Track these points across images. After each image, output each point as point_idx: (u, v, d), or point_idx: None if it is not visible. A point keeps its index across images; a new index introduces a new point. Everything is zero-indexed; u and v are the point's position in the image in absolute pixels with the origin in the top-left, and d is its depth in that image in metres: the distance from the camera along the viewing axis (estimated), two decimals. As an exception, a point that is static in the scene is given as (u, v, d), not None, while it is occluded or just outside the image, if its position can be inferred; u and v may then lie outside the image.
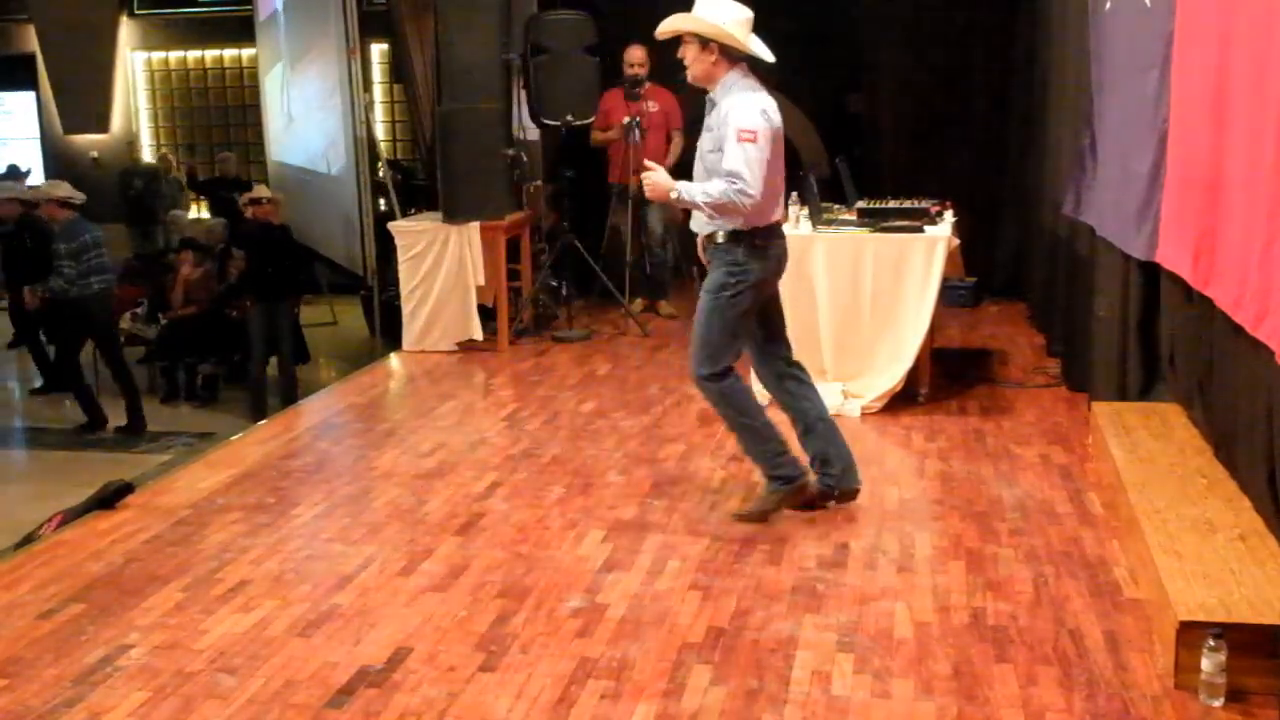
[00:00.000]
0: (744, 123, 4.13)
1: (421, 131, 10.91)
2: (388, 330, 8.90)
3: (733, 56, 4.23)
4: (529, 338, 7.95)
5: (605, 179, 8.54)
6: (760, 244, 4.29)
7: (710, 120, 4.29)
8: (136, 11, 14.88)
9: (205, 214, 13.60)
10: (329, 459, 5.49)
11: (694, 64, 4.26)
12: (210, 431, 8.19)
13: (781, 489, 4.47)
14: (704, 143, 4.31)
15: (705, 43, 4.21)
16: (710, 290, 4.33)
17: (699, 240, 4.44)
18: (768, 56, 4.26)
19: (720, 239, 4.29)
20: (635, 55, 8.21)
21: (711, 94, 4.30)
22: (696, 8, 4.26)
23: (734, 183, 4.11)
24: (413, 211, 9.72)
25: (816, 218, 6.30)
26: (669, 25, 4.27)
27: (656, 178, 4.31)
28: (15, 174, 13.94)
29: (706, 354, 4.35)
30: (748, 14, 4.25)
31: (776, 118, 4.24)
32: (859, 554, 4.14)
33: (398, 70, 12.41)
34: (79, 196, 8.32)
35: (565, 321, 8.11)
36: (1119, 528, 4.25)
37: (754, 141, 4.12)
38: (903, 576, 3.95)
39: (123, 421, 8.52)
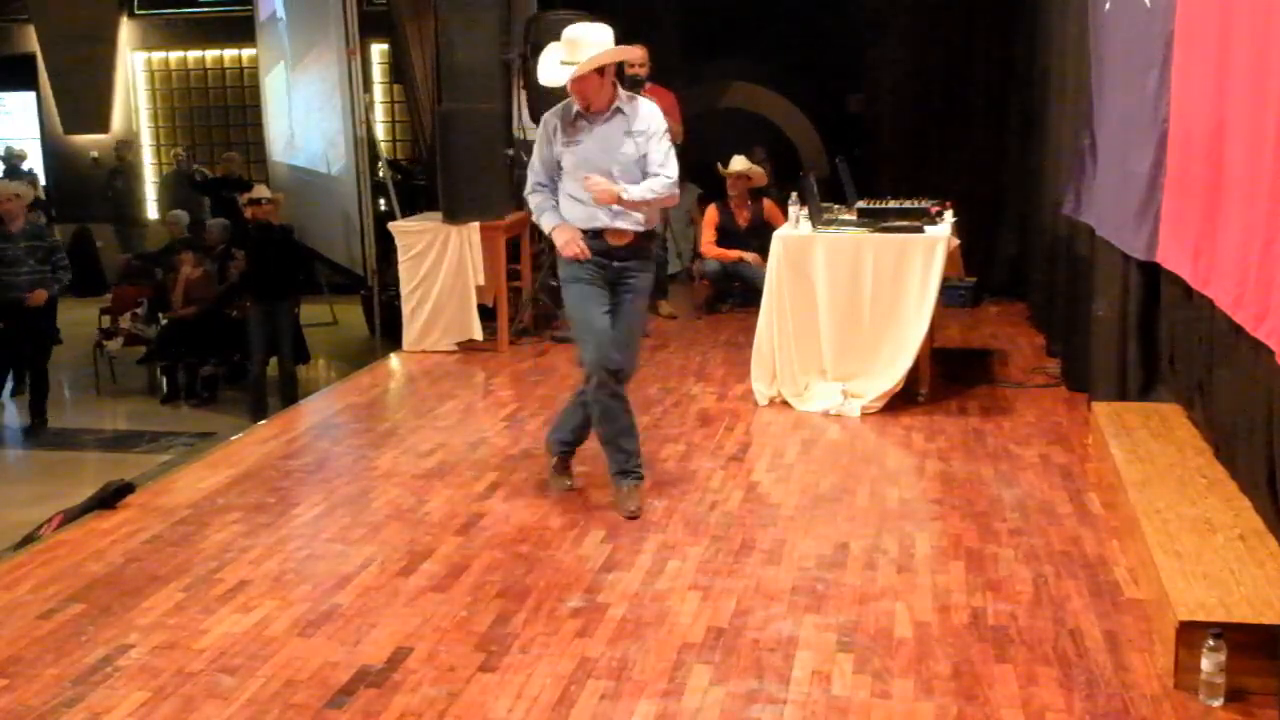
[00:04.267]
0: (667, 127, 4.59)
1: (421, 131, 10.92)
2: (388, 330, 8.90)
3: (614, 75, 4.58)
4: (529, 338, 7.95)
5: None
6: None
7: (625, 127, 4.51)
8: (136, 11, 14.87)
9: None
10: (329, 459, 5.49)
11: (598, 94, 4.50)
12: (210, 431, 8.19)
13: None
14: (625, 146, 4.51)
15: (603, 71, 4.48)
16: (646, 290, 4.69)
17: (611, 234, 4.53)
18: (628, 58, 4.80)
19: (643, 240, 4.59)
20: (636, 55, 8.18)
21: (592, 110, 4.51)
22: (590, 41, 4.43)
23: (669, 180, 4.53)
24: (412, 212, 9.72)
25: (816, 218, 6.30)
26: (589, 66, 4.41)
27: (605, 183, 4.45)
28: (17, 174, 13.95)
29: (639, 348, 4.76)
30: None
31: None
32: (859, 554, 4.14)
33: (398, 70, 12.41)
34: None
35: (565, 321, 8.09)
36: (1119, 528, 4.25)
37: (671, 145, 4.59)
38: (903, 576, 3.95)
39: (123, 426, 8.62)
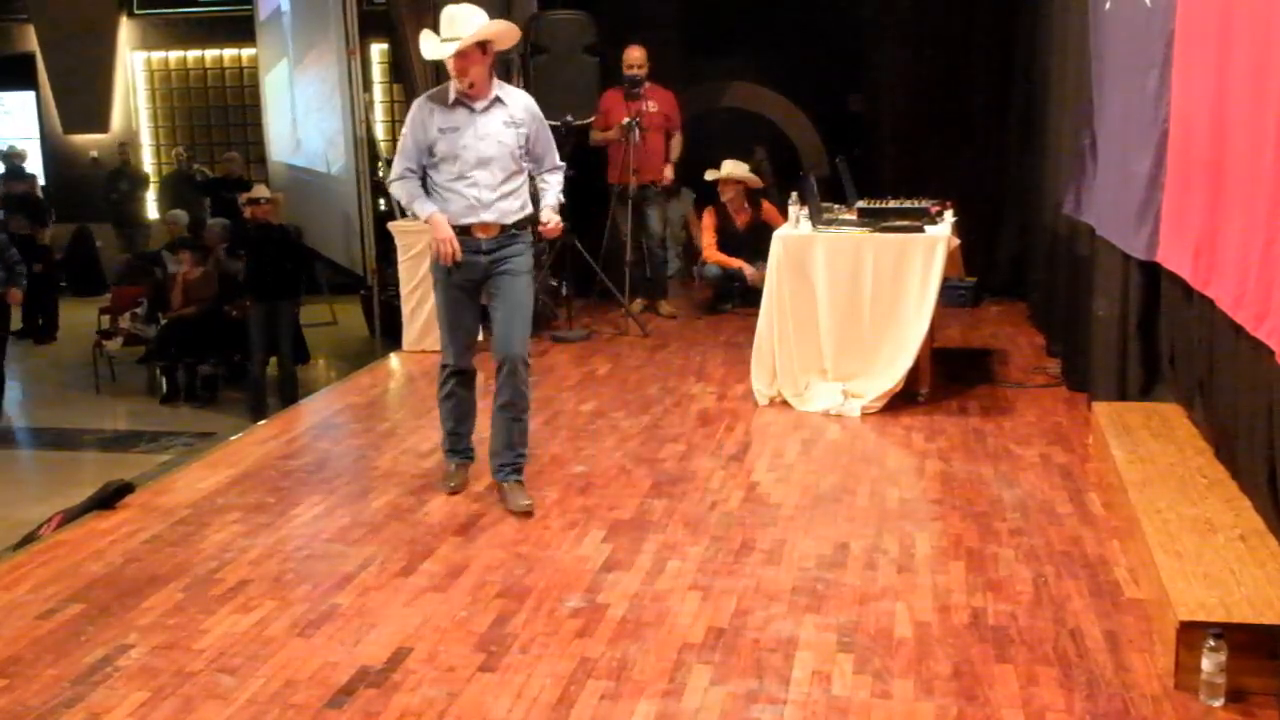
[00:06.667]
0: (541, 115, 4.62)
1: (421, 131, 10.87)
2: (388, 330, 8.90)
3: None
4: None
5: (605, 179, 8.53)
6: None
7: (504, 117, 4.47)
8: (136, 11, 14.89)
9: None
10: (329, 459, 5.49)
11: (479, 69, 4.41)
12: (210, 431, 8.20)
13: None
14: (505, 136, 4.47)
15: (485, 48, 4.39)
16: (526, 271, 4.63)
17: (480, 228, 4.51)
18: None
19: (521, 224, 4.60)
20: (635, 55, 8.21)
21: (474, 91, 4.42)
22: (469, 18, 4.38)
23: (561, 168, 4.69)
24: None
25: (816, 218, 6.30)
26: (474, 38, 4.33)
27: (556, 222, 4.62)
28: (19, 175, 13.95)
29: (529, 332, 4.69)
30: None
31: None
32: (859, 554, 4.14)
33: (398, 70, 12.41)
34: None
35: (565, 321, 8.11)
36: (1119, 528, 4.25)
37: None
38: (903, 576, 3.95)
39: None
